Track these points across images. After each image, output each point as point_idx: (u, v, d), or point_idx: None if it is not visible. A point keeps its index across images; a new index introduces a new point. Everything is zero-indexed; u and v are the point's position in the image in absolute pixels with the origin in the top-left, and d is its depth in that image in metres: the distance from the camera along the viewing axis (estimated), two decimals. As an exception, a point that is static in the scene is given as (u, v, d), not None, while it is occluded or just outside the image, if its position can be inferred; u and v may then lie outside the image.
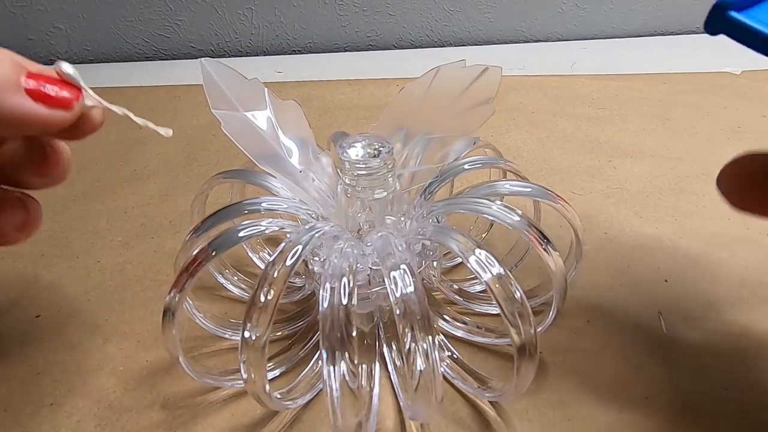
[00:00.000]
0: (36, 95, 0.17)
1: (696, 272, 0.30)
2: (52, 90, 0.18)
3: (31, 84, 0.17)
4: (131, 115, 0.19)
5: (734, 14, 0.17)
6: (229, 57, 0.68)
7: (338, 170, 0.24)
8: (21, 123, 0.17)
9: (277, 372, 0.25)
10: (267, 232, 0.23)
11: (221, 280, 0.29)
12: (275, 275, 0.19)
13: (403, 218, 0.25)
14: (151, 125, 0.20)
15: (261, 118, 0.25)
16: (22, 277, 0.32)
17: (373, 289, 0.23)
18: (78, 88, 0.18)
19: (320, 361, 0.19)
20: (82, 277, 0.32)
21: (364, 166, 0.23)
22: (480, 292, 0.28)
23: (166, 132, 0.20)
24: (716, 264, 0.31)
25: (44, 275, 0.32)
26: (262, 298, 0.19)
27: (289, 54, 0.69)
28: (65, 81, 0.18)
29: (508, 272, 0.20)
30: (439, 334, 0.26)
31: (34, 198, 0.22)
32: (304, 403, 0.23)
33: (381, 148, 0.23)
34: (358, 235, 0.24)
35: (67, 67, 0.18)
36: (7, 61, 0.17)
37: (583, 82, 0.55)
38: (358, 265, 0.22)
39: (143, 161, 0.43)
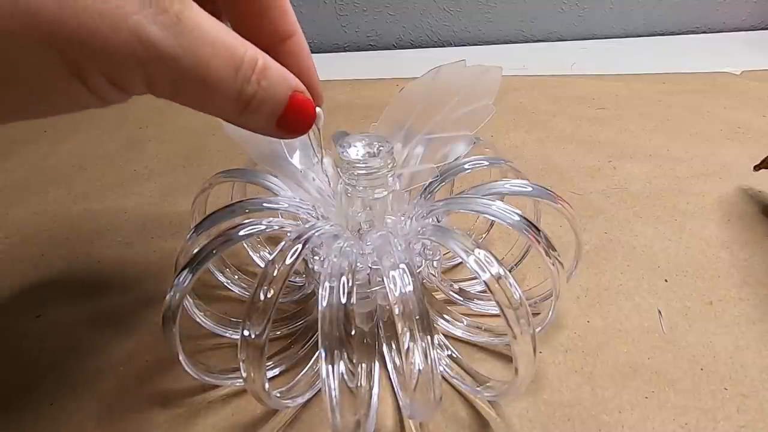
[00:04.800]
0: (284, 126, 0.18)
1: (696, 272, 0.30)
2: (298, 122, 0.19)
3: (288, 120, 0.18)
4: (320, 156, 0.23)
5: None
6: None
7: (338, 170, 0.24)
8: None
9: (276, 371, 0.25)
10: (267, 231, 0.23)
11: (222, 279, 0.29)
12: (275, 274, 0.19)
13: (403, 218, 0.25)
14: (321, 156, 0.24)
15: (261, 117, 0.25)
16: (22, 277, 0.32)
17: (373, 289, 0.24)
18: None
19: (319, 360, 0.19)
20: (82, 277, 0.32)
21: (364, 165, 0.23)
22: (480, 292, 0.28)
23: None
24: (716, 264, 0.31)
25: (44, 275, 0.32)
26: (262, 297, 0.19)
27: (290, 54, 0.69)
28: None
29: (508, 272, 0.19)
30: (438, 334, 0.26)
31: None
32: (304, 402, 0.23)
33: (381, 148, 0.23)
34: (358, 234, 0.24)
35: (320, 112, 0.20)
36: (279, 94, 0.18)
37: (583, 82, 0.55)
38: (358, 264, 0.22)
39: (143, 161, 0.43)
